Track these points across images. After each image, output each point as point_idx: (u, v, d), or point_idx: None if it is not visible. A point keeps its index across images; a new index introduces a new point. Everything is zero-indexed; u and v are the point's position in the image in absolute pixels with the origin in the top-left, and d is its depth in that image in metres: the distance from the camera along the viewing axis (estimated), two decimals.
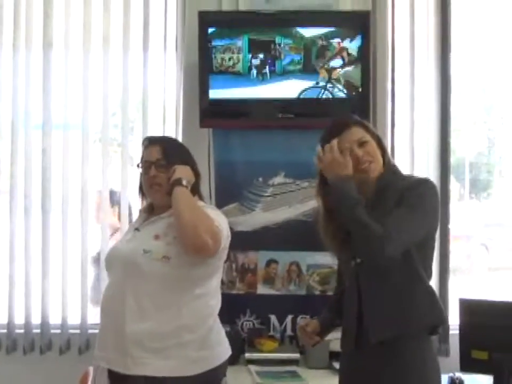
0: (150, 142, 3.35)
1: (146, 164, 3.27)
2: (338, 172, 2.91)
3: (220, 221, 3.18)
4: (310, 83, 4.40)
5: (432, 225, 2.99)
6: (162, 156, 3.25)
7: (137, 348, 3.04)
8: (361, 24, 4.40)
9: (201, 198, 3.37)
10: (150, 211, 3.36)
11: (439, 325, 2.98)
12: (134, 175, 4.53)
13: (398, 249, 2.78)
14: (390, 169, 3.05)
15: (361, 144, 3.00)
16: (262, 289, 4.55)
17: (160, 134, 4.68)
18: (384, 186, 2.98)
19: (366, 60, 4.40)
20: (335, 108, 4.32)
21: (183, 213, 3.05)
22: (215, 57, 4.39)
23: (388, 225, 2.76)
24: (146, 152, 3.31)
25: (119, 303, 3.08)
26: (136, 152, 4.73)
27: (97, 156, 4.80)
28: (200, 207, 3.15)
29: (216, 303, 3.28)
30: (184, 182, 3.15)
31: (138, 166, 3.33)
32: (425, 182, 3.00)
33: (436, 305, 2.96)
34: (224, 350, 3.28)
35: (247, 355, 4.23)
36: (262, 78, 4.40)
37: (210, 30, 4.38)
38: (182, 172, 3.20)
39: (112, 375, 3.11)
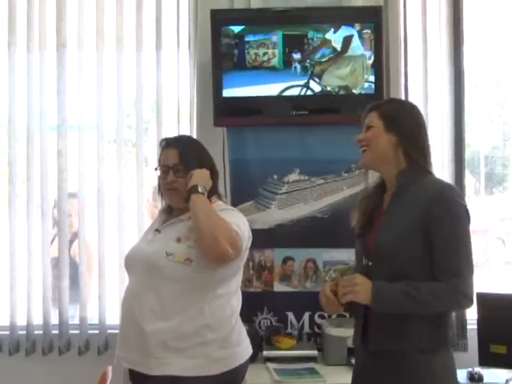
0: (167, 144, 3.32)
1: (163, 168, 3.26)
2: (360, 298, 2.80)
3: (240, 223, 3.16)
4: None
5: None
6: (179, 160, 3.23)
7: (160, 348, 3.04)
8: (373, 19, 4.39)
9: (220, 197, 3.37)
10: (169, 212, 3.37)
11: (440, 349, 2.85)
12: (149, 175, 4.57)
13: (473, 286, 2.78)
14: (413, 166, 2.92)
15: (367, 128, 3.00)
16: (278, 287, 4.55)
17: (175, 134, 4.68)
18: (405, 182, 2.91)
19: (379, 55, 4.39)
20: (348, 104, 4.32)
21: (201, 223, 3.03)
22: (248, 52, 4.41)
23: (453, 276, 2.72)
24: (163, 154, 3.30)
25: (140, 303, 3.09)
26: (151, 152, 4.75)
27: (112, 157, 4.82)
28: (217, 214, 3.10)
29: (237, 302, 3.28)
30: (200, 189, 3.12)
31: (156, 169, 3.31)
32: (454, 193, 2.86)
33: (440, 328, 2.85)
34: (246, 349, 3.28)
35: (265, 353, 4.22)
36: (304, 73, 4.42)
37: (240, 27, 4.42)
38: (199, 178, 3.17)
39: (134, 375, 3.12)
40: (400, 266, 2.81)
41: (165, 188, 3.28)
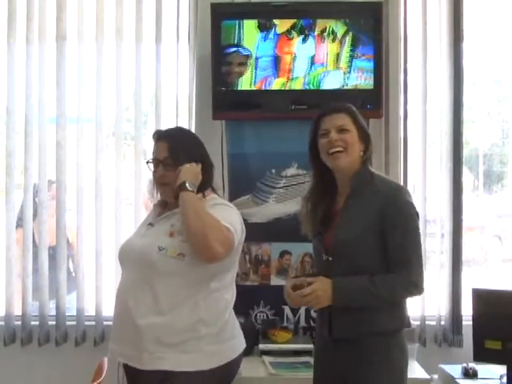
0: (158, 137, 3.31)
1: (154, 162, 3.26)
2: (319, 303, 3.04)
3: (232, 219, 3.12)
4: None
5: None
6: (168, 153, 3.20)
7: (153, 343, 3.04)
8: (373, 15, 4.39)
9: (214, 190, 3.33)
10: (164, 205, 3.35)
11: (399, 330, 3.10)
12: (147, 168, 4.58)
13: (423, 274, 3.06)
14: (367, 169, 3.15)
15: (341, 131, 3.11)
16: (275, 281, 4.56)
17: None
18: (360, 184, 3.11)
19: (378, 50, 4.39)
20: (348, 99, 4.31)
21: (190, 223, 3.00)
22: None
23: (404, 270, 3.00)
24: (154, 147, 3.29)
25: (134, 297, 3.09)
26: (150, 145, 4.76)
27: (110, 150, 4.82)
28: (207, 212, 3.05)
29: (231, 296, 3.26)
30: (188, 186, 3.08)
31: (147, 162, 3.30)
32: (404, 195, 3.09)
33: (398, 310, 3.10)
34: (239, 343, 3.27)
35: (261, 346, 4.24)
36: None
37: None
38: (186, 173, 3.13)
39: (129, 369, 3.13)
40: (357, 261, 3.04)
41: (156, 182, 3.28)
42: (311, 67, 4.42)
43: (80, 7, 4.67)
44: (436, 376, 4.10)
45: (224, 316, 3.18)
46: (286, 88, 4.43)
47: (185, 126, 4.64)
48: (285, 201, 4.53)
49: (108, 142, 5.03)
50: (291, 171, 4.53)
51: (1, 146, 4.78)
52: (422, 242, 3.12)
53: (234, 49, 4.42)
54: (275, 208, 4.53)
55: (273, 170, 4.54)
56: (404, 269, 2.99)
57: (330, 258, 3.11)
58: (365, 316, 3.02)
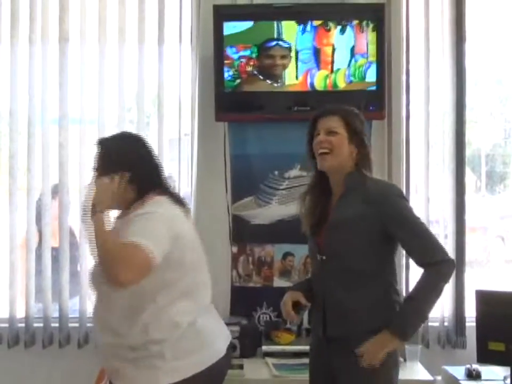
0: (96, 144, 3.17)
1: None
2: (376, 358, 3.03)
3: (151, 232, 2.86)
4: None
5: None
6: (96, 163, 3.09)
7: (114, 359, 3.02)
8: (376, 16, 4.39)
9: (164, 192, 3.09)
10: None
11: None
12: None
13: (443, 249, 3.12)
14: (360, 171, 3.19)
15: (329, 133, 3.19)
16: (278, 282, 4.57)
17: (176, 128, 4.70)
18: (352, 186, 3.17)
19: (381, 51, 4.39)
20: (350, 100, 4.31)
21: (96, 252, 2.82)
22: None
23: (427, 257, 3.05)
24: None
25: (96, 314, 3.09)
26: (152, 147, 4.75)
27: None
28: (113, 239, 2.83)
29: (187, 307, 3.01)
30: (98, 209, 2.90)
31: None
32: (392, 190, 3.21)
33: (388, 309, 3.13)
34: (205, 357, 3.02)
35: (264, 348, 4.24)
36: None
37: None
38: (98, 193, 2.95)
39: None
40: (349, 260, 3.11)
41: None
42: (352, 58, 4.43)
43: (82, 8, 4.67)
44: (439, 378, 4.10)
45: (175, 334, 2.97)
46: (330, 81, 4.42)
47: (188, 128, 4.65)
48: (288, 203, 4.53)
49: None
50: (294, 173, 4.53)
51: (4, 147, 4.78)
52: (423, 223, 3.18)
53: (274, 42, 4.42)
54: (278, 209, 4.54)
55: (276, 172, 4.55)
56: (428, 256, 3.04)
57: (324, 258, 3.18)
58: (358, 315, 3.10)
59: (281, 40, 4.41)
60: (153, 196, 3.04)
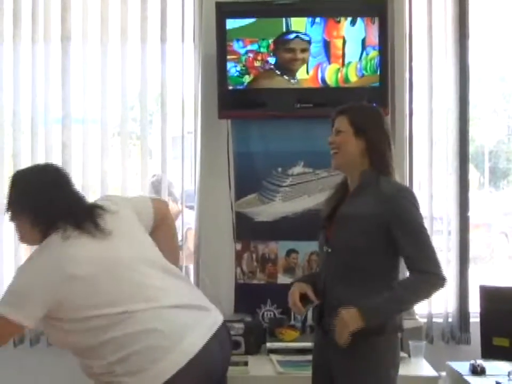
0: None
1: None
2: (349, 328, 2.99)
3: (22, 300, 2.81)
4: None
5: None
6: (7, 199, 3.04)
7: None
8: (378, 12, 4.38)
9: (63, 231, 2.90)
10: None
11: (387, 332, 3.11)
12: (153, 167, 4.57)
13: (440, 264, 3.08)
14: (374, 170, 3.18)
15: (337, 133, 3.22)
16: (282, 279, 4.56)
17: (180, 126, 4.71)
18: (364, 184, 3.17)
19: (384, 48, 4.38)
20: (353, 97, 4.31)
21: None
22: None
23: (421, 265, 3.02)
24: None
25: None
26: (155, 145, 4.76)
27: (116, 149, 4.83)
28: None
29: (121, 333, 2.87)
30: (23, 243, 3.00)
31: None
32: (405, 194, 3.16)
33: None
34: (168, 363, 2.87)
35: (269, 345, 4.23)
36: None
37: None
38: (17, 230, 3.04)
39: None
40: (354, 256, 3.11)
41: None
42: (363, 51, 4.40)
43: (84, 7, 4.68)
44: (443, 374, 4.10)
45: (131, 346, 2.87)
46: (341, 76, 4.39)
47: (191, 125, 4.66)
48: (292, 200, 4.53)
49: (113, 141, 5.03)
50: (297, 169, 4.53)
51: (8, 147, 4.78)
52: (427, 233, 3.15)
53: (294, 35, 4.39)
54: (282, 206, 4.54)
55: (280, 169, 4.54)
56: (422, 264, 3.02)
57: (329, 250, 3.19)
58: None
59: (301, 32, 4.38)
60: (51, 235, 2.92)
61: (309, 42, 4.38)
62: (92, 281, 2.84)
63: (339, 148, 3.19)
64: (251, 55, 4.39)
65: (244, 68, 4.40)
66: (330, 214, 3.27)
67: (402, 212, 3.07)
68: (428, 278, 3.02)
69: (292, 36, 4.38)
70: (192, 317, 3.00)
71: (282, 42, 4.38)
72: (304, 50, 4.38)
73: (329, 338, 3.09)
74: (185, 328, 2.93)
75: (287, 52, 4.38)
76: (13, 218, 3.02)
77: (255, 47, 4.39)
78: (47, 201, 2.94)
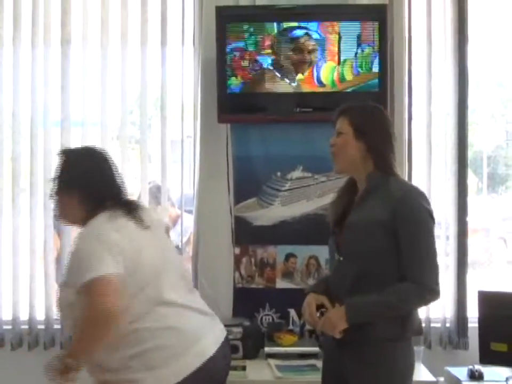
0: None
1: None
2: (336, 328, 2.98)
3: (96, 259, 2.84)
4: None
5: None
6: (55, 174, 3.14)
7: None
8: (378, 17, 4.39)
9: (100, 209, 3.01)
10: None
11: (403, 337, 3.05)
12: (153, 172, 4.57)
13: (438, 279, 2.99)
14: (381, 171, 3.10)
15: (338, 134, 3.16)
16: (281, 284, 4.56)
17: (179, 130, 4.71)
18: (372, 186, 3.09)
19: (383, 53, 4.39)
20: (352, 101, 4.31)
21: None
22: None
23: (418, 276, 2.94)
24: None
25: None
26: (155, 149, 4.76)
27: (115, 153, 4.83)
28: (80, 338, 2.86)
29: (125, 334, 2.91)
30: (61, 222, 3.13)
31: None
32: (416, 197, 3.06)
33: (403, 320, 3.03)
34: (183, 364, 2.94)
35: (267, 349, 4.22)
36: None
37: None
38: (58, 207, 3.13)
39: None
40: (366, 262, 3.01)
41: None
42: (358, 47, 4.39)
43: (85, 11, 4.67)
44: (441, 379, 4.10)
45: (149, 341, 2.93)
46: (337, 74, 4.39)
47: (191, 129, 4.66)
48: (290, 204, 4.53)
49: (113, 145, 5.03)
50: (296, 174, 4.53)
51: (7, 150, 4.78)
52: (435, 247, 3.04)
53: (303, 31, 4.38)
54: (280, 211, 4.54)
55: (279, 173, 4.54)
56: (416, 273, 2.94)
57: (341, 258, 3.12)
58: (371, 322, 2.99)
59: (307, 28, 4.38)
60: (100, 213, 2.99)
61: (317, 42, 4.37)
62: (137, 259, 2.93)
63: (339, 150, 3.13)
64: (237, 53, 4.40)
65: (228, 69, 4.40)
66: (339, 219, 3.19)
67: (410, 215, 2.97)
68: (421, 291, 2.95)
69: (300, 32, 4.38)
70: (206, 322, 3.10)
71: (285, 41, 4.38)
72: (311, 51, 4.38)
73: (343, 345, 3.05)
74: (201, 331, 3.03)
75: (293, 52, 4.38)
76: (58, 194, 3.06)
77: (241, 44, 4.40)
78: (102, 179, 3.07)
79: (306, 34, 4.36)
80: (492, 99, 9.57)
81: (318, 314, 3.16)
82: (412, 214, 2.98)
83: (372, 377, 3.02)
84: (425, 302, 3.08)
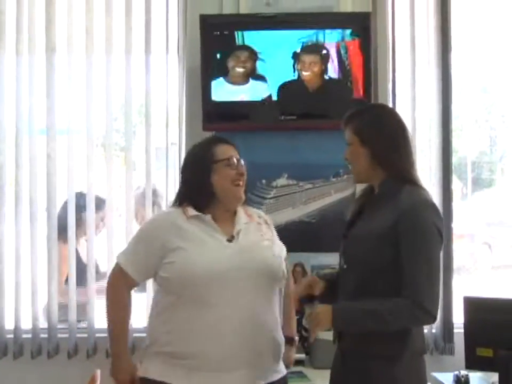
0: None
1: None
2: (319, 325, 2.93)
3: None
4: None
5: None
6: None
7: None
8: (361, 25, 4.41)
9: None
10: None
11: (404, 355, 2.90)
12: (138, 179, 4.55)
13: (436, 301, 2.84)
14: (393, 179, 2.96)
15: (348, 145, 3.06)
16: None
17: (164, 138, 4.71)
18: (382, 195, 2.99)
19: (367, 60, 4.41)
20: (336, 109, 4.33)
21: None
22: None
23: (415, 293, 2.78)
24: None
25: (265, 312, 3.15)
26: (139, 156, 4.74)
27: (100, 161, 4.82)
28: None
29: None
30: None
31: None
32: (424, 210, 2.89)
33: (407, 335, 2.91)
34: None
35: None
36: None
37: None
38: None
39: None
40: (368, 276, 2.92)
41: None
42: None
43: (69, 19, 4.67)
44: None
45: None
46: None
47: (176, 137, 4.67)
48: (276, 212, 4.52)
49: (97, 152, 5.02)
50: (281, 181, 4.54)
51: None
52: (438, 266, 2.88)
53: None
54: None
55: (264, 181, 4.54)
56: (412, 290, 2.78)
57: (345, 266, 3.04)
58: (375, 338, 2.88)
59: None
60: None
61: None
62: None
63: (351, 162, 3.04)
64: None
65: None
66: (352, 221, 3.10)
67: (411, 229, 2.82)
68: (415, 310, 2.78)
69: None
70: None
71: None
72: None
73: (346, 358, 3.01)
74: None
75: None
76: None
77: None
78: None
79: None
80: (476, 105, 9.60)
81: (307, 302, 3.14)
82: (414, 228, 2.82)
83: None
84: (418, 321, 2.88)
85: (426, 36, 4.74)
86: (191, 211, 3.07)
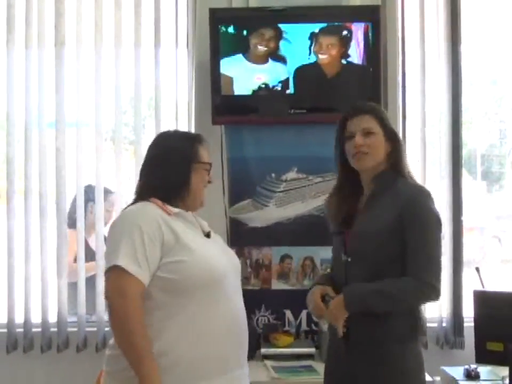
0: None
1: None
2: (337, 319, 2.99)
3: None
4: None
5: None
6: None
7: None
8: (371, 18, 4.40)
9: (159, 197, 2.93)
10: None
11: (412, 339, 3.04)
12: None
13: (440, 278, 2.99)
14: (391, 171, 3.09)
15: (366, 134, 3.06)
16: (276, 285, 4.56)
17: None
18: (381, 186, 3.06)
19: (376, 54, 4.40)
20: (346, 102, 4.32)
21: None
22: None
23: (419, 271, 2.92)
24: None
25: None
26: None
27: (109, 154, 4.82)
28: None
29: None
30: None
31: None
32: (424, 198, 3.04)
33: (413, 320, 3.03)
34: None
35: (263, 350, 4.23)
36: None
37: None
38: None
39: None
40: (375, 264, 3.00)
41: None
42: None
43: (78, 12, 4.67)
44: (438, 378, 4.09)
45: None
46: None
47: (185, 130, 4.66)
48: (285, 205, 4.53)
49: (106, 146, 5.02)
50: (291, 175, 4.53)
51: (1, 152, 4.77)
52: (440, 248, 3.04)
53: None
54: (275, 212, 4.53)
55: (273, 175, 4.54)
56: (417, 269, 2.91)
57: (349, 259, 3.07)
58: (384, 321, 2.96)
59: None
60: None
61: None
62: None
63: (372, 150, 3.05)
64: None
65: None
66: (346, 218, 3.13)
67: (417, 218, 2.95)
68: (420, 285, 2.91)
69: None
70: None
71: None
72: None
73: (352, 345, 3.03)
74: None
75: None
76: None
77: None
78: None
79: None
80: (486, 97, 9.57)
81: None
82: (419, 217, 2.96)
83: (383, 378, 2.98)
84: (424, 297, 3.00)
85: (436, 28, 4.72)
86: (170, 208, 2.90)
